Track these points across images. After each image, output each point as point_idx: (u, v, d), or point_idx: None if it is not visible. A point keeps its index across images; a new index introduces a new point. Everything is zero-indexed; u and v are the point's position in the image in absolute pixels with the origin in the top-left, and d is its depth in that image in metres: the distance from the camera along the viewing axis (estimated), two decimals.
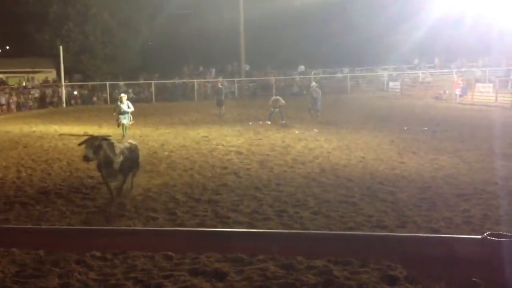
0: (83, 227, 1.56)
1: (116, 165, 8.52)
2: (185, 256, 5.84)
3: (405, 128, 17.20)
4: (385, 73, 40.84)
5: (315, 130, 17.40)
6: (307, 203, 8.18)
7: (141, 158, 10.11)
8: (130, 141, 9.96)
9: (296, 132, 17.20)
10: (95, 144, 8.37)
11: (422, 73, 37.88)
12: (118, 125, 16.97)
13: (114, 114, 17.49)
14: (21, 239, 1.92)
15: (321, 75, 40.76)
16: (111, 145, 8.58)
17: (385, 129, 17.15)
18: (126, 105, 16.92)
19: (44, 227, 1.68)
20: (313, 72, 41.38)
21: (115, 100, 21.46)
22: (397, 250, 1.82)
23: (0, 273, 5.53)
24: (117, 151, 8.59)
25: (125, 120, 16.87)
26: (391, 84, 39.63)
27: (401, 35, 36.18)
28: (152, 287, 5.18)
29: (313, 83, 22.87)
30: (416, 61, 41.48)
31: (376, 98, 33.16)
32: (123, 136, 16.01)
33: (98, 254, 6.01)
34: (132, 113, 17.24)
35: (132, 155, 9.11)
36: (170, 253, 6.05)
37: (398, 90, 36.86)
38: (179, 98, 36.24)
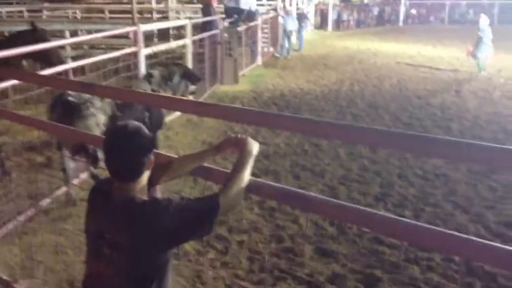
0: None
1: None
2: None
3: None
4: None
5: None
6: None
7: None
8: None
9: None
10: None
11: None
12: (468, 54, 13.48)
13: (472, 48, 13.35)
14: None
15: None
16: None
17: None
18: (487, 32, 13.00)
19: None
20: None
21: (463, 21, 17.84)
22: None
23: (330, 174, 6.22)
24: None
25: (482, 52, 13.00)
26: None
27: None
28: (471, 215, 5.05)
29: None
30: None
31: None
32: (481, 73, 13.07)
33: (419, 172, 6.14)
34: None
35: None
36: (494, 184, 5.75)
37: None
38: None
